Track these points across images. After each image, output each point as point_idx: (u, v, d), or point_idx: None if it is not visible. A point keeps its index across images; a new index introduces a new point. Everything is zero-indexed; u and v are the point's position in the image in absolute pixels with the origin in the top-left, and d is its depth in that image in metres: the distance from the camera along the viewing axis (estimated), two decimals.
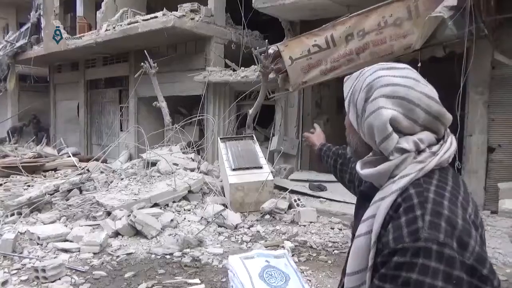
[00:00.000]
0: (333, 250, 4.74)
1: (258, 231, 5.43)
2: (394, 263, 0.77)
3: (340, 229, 5.52)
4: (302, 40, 6.76)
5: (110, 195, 6.11)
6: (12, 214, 5.68)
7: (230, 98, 9.91)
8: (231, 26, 10.83)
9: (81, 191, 6.62)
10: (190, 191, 6.43)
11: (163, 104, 9.55)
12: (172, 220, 5.41)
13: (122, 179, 7.07)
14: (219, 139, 7.46)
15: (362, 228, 0.89)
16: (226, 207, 6.10)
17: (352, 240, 1.08)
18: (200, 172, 7.27)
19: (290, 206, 6.25)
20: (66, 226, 5.28)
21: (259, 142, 7.60)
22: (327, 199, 6.80)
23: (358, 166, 0.97)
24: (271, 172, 6.72)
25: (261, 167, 6.67)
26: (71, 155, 10.55)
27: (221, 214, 5.60)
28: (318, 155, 1.70)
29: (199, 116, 9.42)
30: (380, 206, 0.86)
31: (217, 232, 5.35)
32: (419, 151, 0.89)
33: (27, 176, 8.49)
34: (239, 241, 5.08)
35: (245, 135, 7.72)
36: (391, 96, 0.89)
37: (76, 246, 4.59)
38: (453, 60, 5.85)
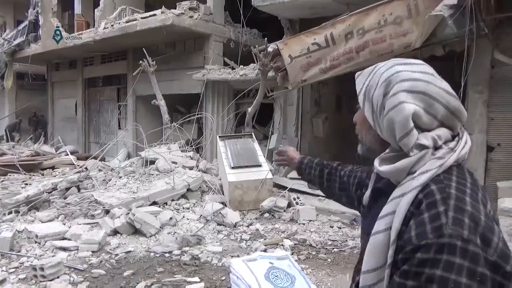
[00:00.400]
0: (333, 249, 4.73)
1: (257, 230, 5.42)
2: (417, 259, 0.77)
3: (340, 228, 5.51)
4: (302, 38, 6.74)
5: (108, 193, 6.08)
6: (10, 213, 5.65)
7: (229, 96, 9.88)
8: (230, 24, 10.81)
9: (79, 189, 6.59)
10: (189, 189, 6.41)
11: (161, 102, 9.52)
12: (171, 219, 5.39)
13: (120, 177, 7.04)
14: (218, 137, 7.44)
15: (380, 225, 0.88)
16: (225, 205, 6.08)
17: (362, 238, 1.06)
18: (199, 170, 7.25)
19: (289, 205, 6.24)
20: (64, 224, 5.25)
21: (257, 140, 7.59)
22: (326, 197, 6.78)
23: (376, 163, 0.96)
24: (270, 170, 6.71)
25: (260, 165, 6.65)
26: (69, 153, 10.51)
27: (220, 212, 5.58)
28: (299, 168, 1.61)
29: (197, 114, 9.40)
30: (400, 203, 0.85)
31: (216, 231, 5.34)
32: (436, 148, 0.88)
33: (25, 174, 8.44)
34: (238, 240, 5.07)
35: (244, 133, 7.70)
36: (411, 90, 0.88)
37: (74, 244, 4.56)
38: (453, 59, 5.85)
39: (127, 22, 10.37)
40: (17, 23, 17.15)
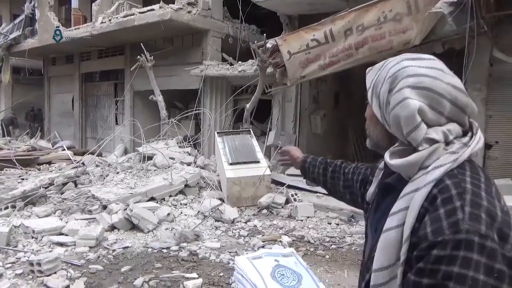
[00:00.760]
0: (331, 245, 4.73)
1: (255, 226, 5.41)
2: (433, 256, 0.75)
3: (337, 224, 5.51)
4: (301, 34, 6.72)
5: (105, 189, 6.05)
6: (6, 208, 5.61)
7: (227, 92, 9.85)
8: (228, 20, 10.75)
9: (76, 185, 6.56)
10: (186, 185, 6.39)
11: (159, 98, 9.47)
12: (168, 214, 5.38)
13: (118, 172, 7.01)
14: (216, 133, 7.42)
15: (392, 221, 0.86)
16: (223, 201, 6.07)
17: (368, 234, 1.05)
18: (197, 166, 7.23)
19: (287, 201, 6.23)
20: (61, 219, 5.22)
21: (255, 136, 7.57)
22: (324, 194, 6.79)
23: (387, 156, 0.94)
24: (268, 166, 6.70)
25: (258, 162, 6.65)
26: (65, 148, 10.45)
27: (218, 209, 5.57)
28: (302, 167, 1.60)
29: (195, 110, 9.36)
30: (413, 198, 0.83)
31: (214, 227, 5.33)
32: (447, 142, 0.87)
33: (21, 169, 8.39)
34: (236, 236, 5.06)
35: (242, 130, 7.68)
36: (416, 87, 0.87)
37: (71, 239, 4.54)
38: (452, 56, 5.84)
39: (124, 16, 10.30)
40: (13, 17, 17.00)
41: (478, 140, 0.88)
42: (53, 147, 11.76)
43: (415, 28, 5.62)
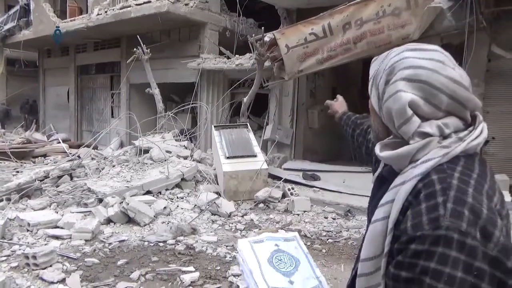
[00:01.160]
0: (327, 239, 4.74)
1: (252, 220, 5.41)
2: (411, 250, 0.75)
3: (334, 219, 5.51)
4: (299, 28, 6.67)
5: (101, 182, 6.02)
6: (1, 200, 5.56)
7: (224, 86, 9.80)
8: (226, 13, 10.67)
9: (71, 178, 6.52)
10: (183, 179, 6.37)
11: (155, 91, 9.42)
12: (165, 208, 5.36)
13: (113, 166, 6.97)
14: (213, 127, 7.39)
15: (379, 213, 0.86)
16: (220, 195, 6.06)
17: (367, 226, 1.04)
18: (193, 160, 7.20)
19: (284, 195, 6.23)
20: (57, 212, 5.19)
21: (252, 130, 7.55)
22: (320, 188, 6.80)
23: (377, 148, 0.93)
24: (265, 161, 6.69)
25: (255, 156, 6.63)
26: (61, 141, 10.37)
27: (214, 202, 5.56)
28: (339, 123, 1.72)
29: (192, 103, 9.31)
30: (399, 191, 0.82)
31: (211, 220, 5.32)
32: (444, 136, 0.85)
33: (16, 162, 8.33)
34: (232, 229, 5.06)
35: (239, 124, 7.66)
36: (411, 79, 0.85)
37: (67, 233, 4.51)
38: (451, 51, 5.83)
39: (121, 8, 10.19)
40: (8, 8, 16.79)
41: (477, 135, 0.86)
42: (48, 139, 11.66)
43: (414, 22, 5.60)
